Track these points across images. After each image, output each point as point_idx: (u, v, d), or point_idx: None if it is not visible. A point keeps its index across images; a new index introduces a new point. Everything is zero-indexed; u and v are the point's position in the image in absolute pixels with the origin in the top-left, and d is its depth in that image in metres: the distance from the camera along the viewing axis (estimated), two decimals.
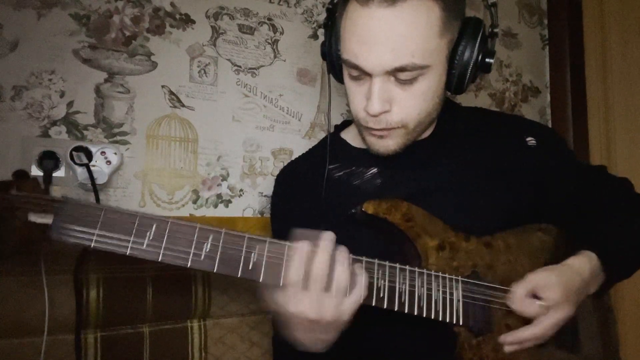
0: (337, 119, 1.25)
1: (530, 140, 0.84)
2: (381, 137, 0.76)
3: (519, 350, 0.71)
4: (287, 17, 1.27)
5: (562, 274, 0.69)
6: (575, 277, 0.69)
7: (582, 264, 0.71)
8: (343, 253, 0.63)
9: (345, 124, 0.97)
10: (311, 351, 0.68)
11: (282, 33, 1.26)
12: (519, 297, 0.69)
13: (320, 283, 0.60)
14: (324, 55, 0.82)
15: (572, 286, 0.69)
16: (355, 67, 0.71)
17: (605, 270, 0.73)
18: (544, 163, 0.83)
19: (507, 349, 0.70)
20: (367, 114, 0.73)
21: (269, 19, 1.25)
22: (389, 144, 0.77)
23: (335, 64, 0.79)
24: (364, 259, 0.67)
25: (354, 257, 0.66)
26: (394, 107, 0.72)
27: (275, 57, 1.25)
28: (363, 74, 0.72)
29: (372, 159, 0.84)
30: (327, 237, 0.62)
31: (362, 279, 0.63)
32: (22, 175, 0.63)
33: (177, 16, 1.14)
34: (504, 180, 0.81)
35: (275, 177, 0.96)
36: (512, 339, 0.70)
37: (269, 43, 1.25)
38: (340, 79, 0.81)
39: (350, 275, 0.62)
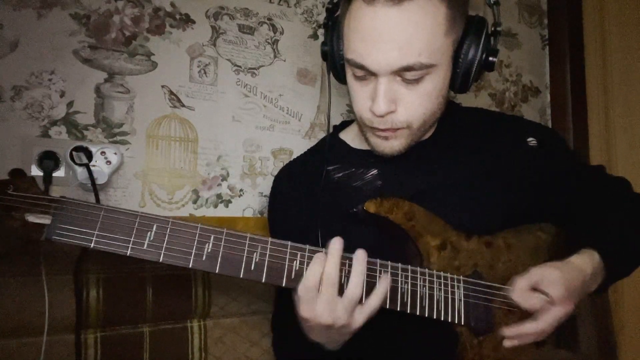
0: (337, 119, 1.25)
1: (532, 141, 0.84)
2: (386, 138, 0.76)
3: (518, 346, 0.70)
4: (287, 17, 1.27)
5: (566, 270, 0.69)
6: (578, 275, 0.69)
7: (585, 262, 0.71)
8: (359, 263, 0.64)
9: (344, 124, 0.97)
10: (327, 348, 0.70)
11: (282, 33, 1.26)
12: (521, 290, 0.68)
13: (332, 288, 0.62)
14: (325, 55, 0.80)
15: (575, 283, 0.68)
16: (361, 67, 0.70)
17: (606, 269, 0.73)
18: (544, 163, 0.83)
19: (507, 343, 0.70)
20: (373, 115, 0.73)
21: (269, 19, 1.25)
22: (394, 145, 0.77)
23: (337, 64, 0.78)
24: (366, 259, 0.67)
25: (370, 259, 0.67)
26: (400, 107, 0.72)
27: (275, 57, 1.25)
28: (368, 74, 0.71)
29: (372, 160, 0.84)
30: (336, 242, 0.64)
31: (380, 291, 0.65)
32: (18, 174, 0.61)
33: (177, 16, 1.14)
34: (504, 180, 0.81)
35: (274, 178, 0.96)
36: (513, 333, 0.69)
37: (269, 43, 1.24)
38: (341, 79, 0.80)
39: (363, 285, 0.64)
